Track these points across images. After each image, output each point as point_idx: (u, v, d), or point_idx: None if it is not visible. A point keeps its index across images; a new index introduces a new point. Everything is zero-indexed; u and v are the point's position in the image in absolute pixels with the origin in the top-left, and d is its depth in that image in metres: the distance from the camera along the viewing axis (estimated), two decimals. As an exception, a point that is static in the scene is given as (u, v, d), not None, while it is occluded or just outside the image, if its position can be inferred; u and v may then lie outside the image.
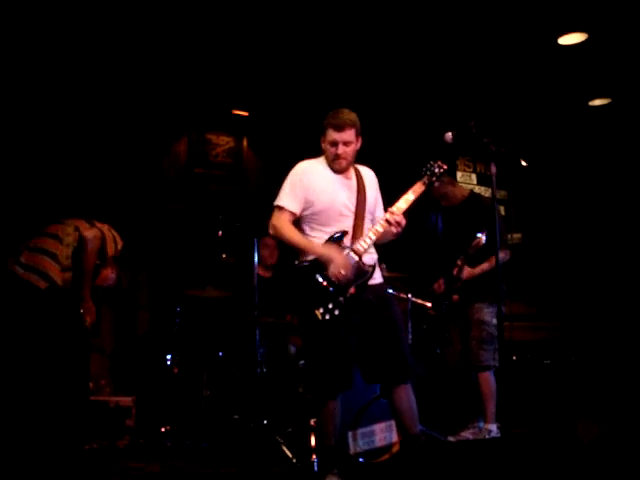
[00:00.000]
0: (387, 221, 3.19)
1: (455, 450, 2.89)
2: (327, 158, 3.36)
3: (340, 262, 3.12)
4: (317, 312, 3.10)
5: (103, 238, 4.16)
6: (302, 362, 4.56)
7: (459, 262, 4.37)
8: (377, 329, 3.23)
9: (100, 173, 5.58)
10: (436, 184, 3.42)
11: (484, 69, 5.81)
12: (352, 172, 3.43)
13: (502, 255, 4.35)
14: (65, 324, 4.04)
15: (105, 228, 4.22)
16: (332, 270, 3.12)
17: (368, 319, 3.22)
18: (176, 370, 4.83)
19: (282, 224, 3.27)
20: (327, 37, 5.18)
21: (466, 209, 4.56)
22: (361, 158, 3.49)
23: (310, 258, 3.22)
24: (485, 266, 4.36)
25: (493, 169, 3.22)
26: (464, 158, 7.24)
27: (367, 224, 3.35)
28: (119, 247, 4.29)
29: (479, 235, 4.20)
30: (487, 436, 4.17)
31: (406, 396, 3.23)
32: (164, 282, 5.74)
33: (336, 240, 3.24)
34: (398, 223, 3.19)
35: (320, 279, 3.15)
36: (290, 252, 3.38)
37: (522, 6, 4.73)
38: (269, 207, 3.39)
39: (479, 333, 4.36)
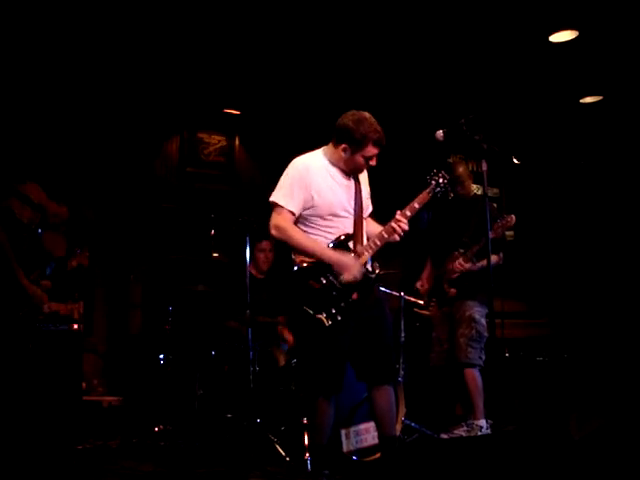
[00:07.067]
0: (393, 229, 3.14)
1: (447, 447, 2.89)
2: (348, 163, 3.21)
3: (355, 269, 3.08)
4: (320, 317, 3.04)
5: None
6: (294, 361, 4.56)
7: (458, 255, 4.35)
8: (367, 328, 3.19)
9: (92, 173, 5.57)
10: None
11: (476, 67, 5.81)
12: None
13: (496, 258, 4.36)
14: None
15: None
16: (346, 277, 3.07)
17: (360, 318, 3.18)
18: (169, 369, 4.82)
19: (286, 225, 3.12)
20: (318, 35, 5.17)
21: (470, 207, 4.54)
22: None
23: (310, 260, 3.13)
24: (484, 262, 4.31)
25: (484, 167, 3.23)
26: (455, 156, 7.24)
27: (364, 226, 3.30)
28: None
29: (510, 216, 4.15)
30: (479, 432, 4.18)
31: (386, 397, 3.19)
32: (157, 281, 5.73)
33: (343, 243, 3.16)
34: (403, 231, 3.15)
35: (324, 281, 3.08)
36: (286, 254, 3.26)
37: (513, 4, 4.74)
38: (262, 206, 3.33)
39: (469, 331, 4.35)
